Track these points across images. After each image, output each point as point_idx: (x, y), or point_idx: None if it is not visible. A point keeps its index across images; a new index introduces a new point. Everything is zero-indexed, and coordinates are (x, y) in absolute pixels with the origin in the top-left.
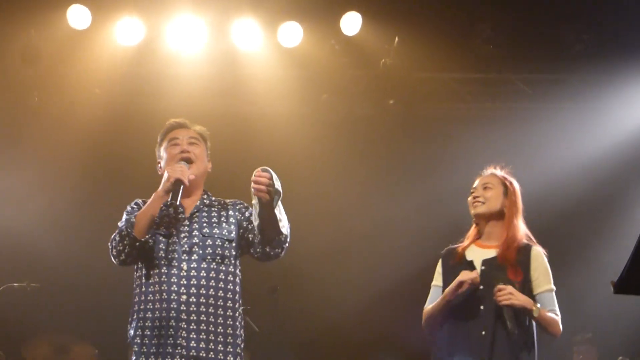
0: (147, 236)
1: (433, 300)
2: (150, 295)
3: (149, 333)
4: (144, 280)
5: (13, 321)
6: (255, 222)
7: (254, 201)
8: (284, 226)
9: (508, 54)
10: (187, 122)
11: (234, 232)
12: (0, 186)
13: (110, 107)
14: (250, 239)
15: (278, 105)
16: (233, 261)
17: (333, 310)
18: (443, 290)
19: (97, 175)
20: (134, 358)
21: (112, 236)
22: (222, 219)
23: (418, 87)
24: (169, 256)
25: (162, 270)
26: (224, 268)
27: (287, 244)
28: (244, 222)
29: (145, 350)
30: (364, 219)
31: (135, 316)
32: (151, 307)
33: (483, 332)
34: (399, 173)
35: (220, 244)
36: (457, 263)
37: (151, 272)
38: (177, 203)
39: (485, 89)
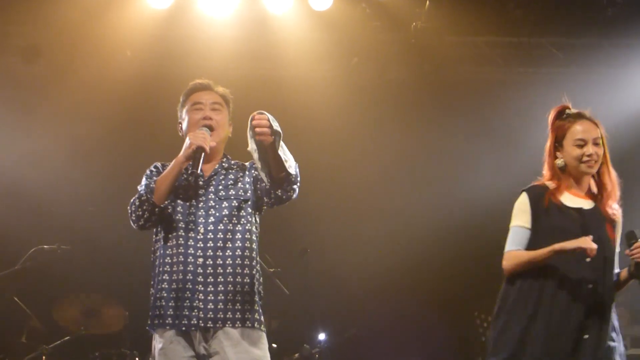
0: (166, 202)
1: (519, 242)
2: (169, 258)
3: (165, 295)
4: (162, 244)
5: (44, 283)
6: (259, 168)
7: (251, 147)
8: (291, 166)
9: (540, 18)
10: (211, 84)
11: (249, 192)
12: (31, 150)
13: (142, 69)
14: (262, 187)
15: (308, 69)
16: (250, 219)
17: (363, 273)
18: (532, 233)
19: (127, 138)
20: (155, 321)
21: (132, 200)
22: (239, 179)
23: (449, 51)
24: (187, 219)
25: (180, 234)
26: (240, 228)
27: (297, 184)
28: (259, 177)
29: (163, 312)
30: (395, 184)
31: (155, 279)
32: (169, 269)
33: (590, 286)
34: (429, 137)
35: (236, 204)
36: (554, 208)
37: (169, 236)
38: (198, 171)
39: (516, 52)
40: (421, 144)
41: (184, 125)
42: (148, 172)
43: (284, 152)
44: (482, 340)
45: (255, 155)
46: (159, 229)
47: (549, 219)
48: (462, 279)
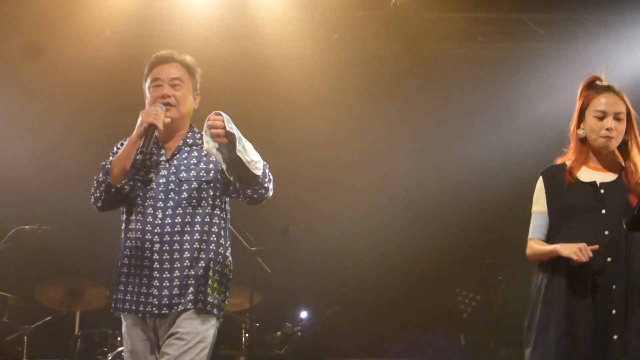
0: (122, 182)
1: (538, 229)
2: (129, 242)
3: (124, 280)
4: (124, 226)
5: (25, 264)
6: (225, 169)
7: (206, 147)
8: (258, 167)
9: None
10: (173, 54)
11: (212, 172)
12: (9, 131)
13: (120, 49)
14: (230, 183)
15: (288, 47)
16: (211, 202)
17: (344, 250)
18: (550, 216)
19: (106, 117)
20: (118, 305)
21: (93, 182)
22: (202, 158)
23: (428, 27)
24: (146, 203)
25: (138, 218)
26: (200, 211)
27: (267, 183)
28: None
29: (122, 297)
30: (376, 160)
31: (119, 262)
32: (129, 253)
33: (609, 259)
34: (410, 113)
35: (196, 186)
36: (570, 186)
37: (130, 218)
38: (147, 149)
39: (496, 28)
40: (402, 119)
41: (146, 102)
42: (115, 148)
43: (247, 153)
44: (464, 317)
45: (219, 157)
46: (123, 209)
47: (563, 198)
48: (444, 255)
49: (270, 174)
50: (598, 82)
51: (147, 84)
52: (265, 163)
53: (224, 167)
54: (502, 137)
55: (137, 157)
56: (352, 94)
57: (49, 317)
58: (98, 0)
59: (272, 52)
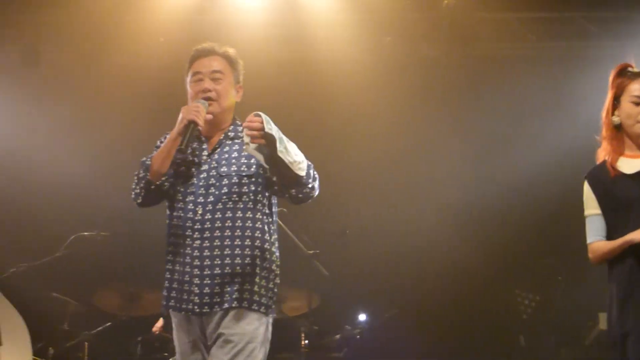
0: (162, 179)
1: (596, 231)
2: (171, 238)
3: (169, 276)
4: (167, 223)
5: (84, 270)
6: (268, 170)
7: (247, 147)
8: (301, 168)
9: None
10: (214, 47)
11: (253, 167)
12: (67, 138)
13: (175, 55)
14: (274, 182)
15: (341, 51)
16: (253, 197)
17: (403, 252)
18: (605, 216)
19: (161, 123)
20: (164, 302)
21: (133, 176)
22: (243, 153)
23: (480, 28)
24: (187, 199)
25: (179, 214)
26: (241, 206)
27: (312, 183)
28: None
29: (167, 295)
30: (431, 162)
31: (165, 257)
32: (171, 250)
33: None
34: (462, 115)
35: (236, 181)
36: (615, 181)
37: (172, 214)
38: (186, 147)
39: (548, 27)
40: (455, 121)
41: (188, 98)
42: (158, 142)
43: (289, 154)
44: (523, 318)
45: (260, 157)
46: (167, 208)
47: (614, 196)
48: (502, 256)
49: (315, 173)
50: (630, 69)
51: (188, 79)
52: (309, 163)
53: (266, 167)
54: (557, 136)
55: (177, 155)
56: (405, 97)
57: (109, 323)
58: (152, 7)
59: (324, 56)
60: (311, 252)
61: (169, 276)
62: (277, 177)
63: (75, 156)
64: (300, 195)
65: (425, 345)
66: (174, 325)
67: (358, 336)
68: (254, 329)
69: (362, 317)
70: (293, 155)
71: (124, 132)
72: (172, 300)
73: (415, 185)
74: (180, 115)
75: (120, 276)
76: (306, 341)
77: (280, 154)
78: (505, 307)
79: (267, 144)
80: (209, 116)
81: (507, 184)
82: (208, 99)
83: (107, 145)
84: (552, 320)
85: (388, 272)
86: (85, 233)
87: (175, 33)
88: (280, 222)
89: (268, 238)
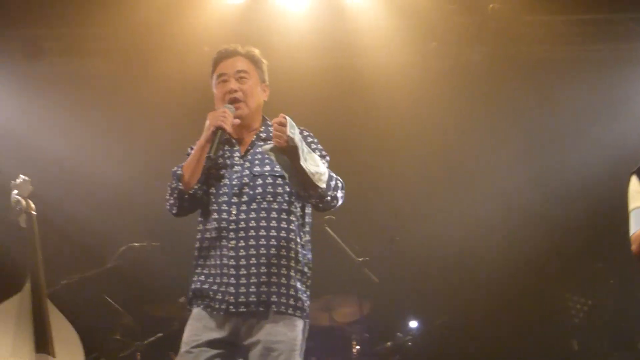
0: (195, 187)
1: None
2: (207, 242)
3: (202, 279)
4: (202, 226)
5: (135, 280)
6: (287, 177)
7: (265, 147)
8: (321, 180)
9: None
10: (237, 48)
11: None
12: (117, 149)
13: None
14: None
15: (386, 56)
16: (287, 198)
17: (453, 259)
18: None
19: None
20: (192, 302)
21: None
22: None
23: (526, 31)
24: (220, 199)
25: (214, 215)
26: (276, 206)
27: (330, 195)
28: None
29: (197, 293)
30: (478, 166)
31: (195, 260)
32: (207, 252)
33: None
34: (508, 119)
35: (271, 181)
36: None
37: (206, 215)
38: (215, 154)
39: (595, 30)
40: (502, 125)
41: (214, 99)
42: (188, 150)
43: (309, 165)
44: (575, 322)
45: (283, 165)
46: (200, 213)
47: None
48: (553, 261)
49: (339, 183)
50: None
51: (213, 82)
52: (332, 175)
53: (286, 175)
54: (607, 139)
55: (206, 162)
56: (451, 101)
57: (161, 333)
58: (197, 16)
59: (369, 62)
60: (361, 259)
61: (202, 278)
62: (295, 186)
63: (125, 166)
64: (321, 205)
65: (477, 351)
66: (189, 320)
67: (409, 343)
68: (295, 335)
69: (413, 323)
70: (313, 166)
71: (171, 141)
72: (203, 299)
73: (464, 190)
74: (207, 122)
75: (171, 286)
76: (357, 347)
77: (302, 163)
78: (557, 311)
79: (288, 150)
80: (237, 121)
81: (557, 187)
82: (235, 99)
83: (157, 155)
84: (604, 324)
85: (438, 279)
86: (136, 244)
87: (220, 42)
88: (329, 230)
89: (300, 240)
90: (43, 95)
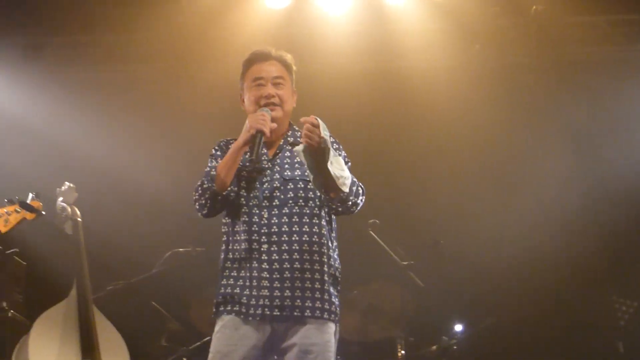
0: (229, 188)
1: None
2: (237, 245)
3: (232, 282)
4: (230, 229)
5: (180, 286)
6: (312, 179)
7: (298, 149)
8: (345, 184)
9: None
10: (272, 52)
11: None
12: (160, 154)
13: None
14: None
15: (429, 59)
16: (318, 202)
17: (497, 261)
18: None
19: None
20: (220, 308)
21: (195, 187)
22: None
23: (569, 32)
24: (250, 203)
25: (244, 218)
26: (307, 211)
27: (352, 200)
28: None
29: (228, 299)
30: (522, 168)
31: (221, 264)
32: (237, 256)
33: None
34: (553, 120)
35: (302, 186)
36: None
37: (235, 220)
38: (257, 158)
39: (639, 29)
40: (546, 126)
41: (246, 101)
42: (212, 151)
43: (334, 167)
44: (621, 324)
45: (308, 164)
46: (225, 215)
47: None
48: (598, 263)
49: (359, 189)
50: None
51: (246, 83)
52: (354, 180)
53: (311, 177)
54: None
55: (247, 165)
56: (494, 104)
57: (207, 338)
58: (239, 22)
59: (412, 65)
60: (405, 263)
61: (232, 282)
62: (318, 188)
63: (168, 172)
64: (340, 209)
65: (523, 354)
66: (220, 328)
67: (455, 346)
68: (330, 338)
69: (459, 327)
70: (339, 170)
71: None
72: (234, 305)
73: (508, 193)
74: (247, 125)
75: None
76: (403, 352)
77: (330, 165)
78: (603, 313)
79: (319, 151)
80: (274, 125)
81: (604, 189)
82: (271, 104)
83: (200, 160)
84: None
85: (483, 281)
86: (181, 249)
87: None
88: (373, 234)
89: (331, 244)
90: (86, 102)
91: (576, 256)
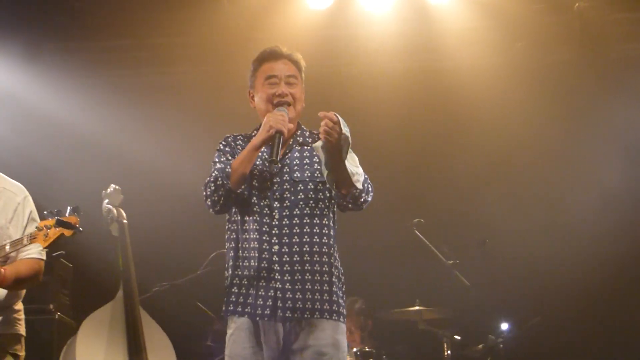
0: (243, 187)
1: None
2: (246, 243)
3: (241, 282)
4: (238, 228)
5: (225, 286)
6: (325, 175)
7: (318, 146)
8: (359, 180)
9: None
10: (284, 51)
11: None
12: (206, 157)
13: (307, 71)
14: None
15: (472, 57)
16: (328, 204)
17: (543, 260)
18: None
19: None
20: (230, 307)
21: (206, 183)
22: (314, 158)
23: (612, 29)
24: (262, 203)
25: (255, 218)
26: (318, 212)
27: (363, 198)
28: None
29: (236, 299)
30: (568, 169)
31: (231, 263)
32: (247, 255)
33: None
34: (596, 118)
35: (312, 187)
36: None
37: (245, 220)
38: (277, 157)
39: None
40: (589, 123)
41: (257, 99)
42: (220, 146)
43: (349, 164)
44: None
45: (323, 157)
46: (234, 213)
47: None
48: None
49: (369, 187)
50: None
51: (258, 80)
52: (366, 177)
53: (325, 172)
54: None
55: (266, 165)
56: (538, 101)
57: None
58: (282, 25)
59: (455, 63)
60: (451, 262)
61: (240, 282)
62: (331, 184)
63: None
64: (350, 206)
65: (568, 353)
66: (232, 329)
67: (501, 345)
68: (342, 339)
69: (505, 326)
70: (354, 167)
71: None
72: (245, 307)
73: (553, 191)
74: (267, 124)
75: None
76: (449, 351)
77: (347, 162)
78: None
79: (337, 147)
80: (291, 125)
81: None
82: (285, 103)
83: None
84: None
85: (529, 280)
86: (224, 250)
87: (306, 50)
88: (418, 234)
89: (335, 245)
90: (132, 104)
91: (623, 257)
